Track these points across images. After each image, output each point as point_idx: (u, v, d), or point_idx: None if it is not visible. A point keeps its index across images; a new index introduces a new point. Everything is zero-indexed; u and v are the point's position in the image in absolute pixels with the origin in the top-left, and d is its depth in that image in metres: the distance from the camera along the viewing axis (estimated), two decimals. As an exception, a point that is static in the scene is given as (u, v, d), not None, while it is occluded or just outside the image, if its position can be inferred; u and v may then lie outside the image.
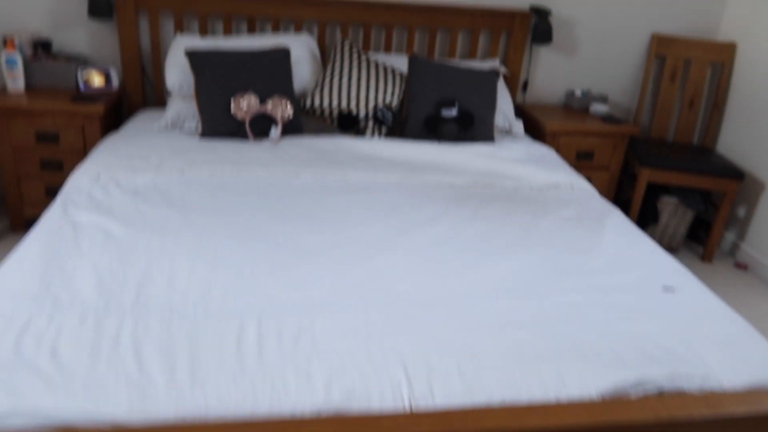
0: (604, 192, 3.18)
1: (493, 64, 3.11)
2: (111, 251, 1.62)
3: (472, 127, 2.68)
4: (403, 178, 2.27)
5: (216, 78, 2.48)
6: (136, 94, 2.98)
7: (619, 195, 3.43)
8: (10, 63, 2.70)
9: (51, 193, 2.77)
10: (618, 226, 2.03)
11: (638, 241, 1.93)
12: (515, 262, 1.75)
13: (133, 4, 2.82)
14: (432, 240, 1.83)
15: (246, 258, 1.63)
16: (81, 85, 2.82)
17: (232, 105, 2.44)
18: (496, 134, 2.87)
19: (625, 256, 1.83)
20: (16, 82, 2.73)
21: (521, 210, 2.10)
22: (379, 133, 2.68)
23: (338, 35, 3.10)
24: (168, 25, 2.97)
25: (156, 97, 3.04)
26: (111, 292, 1.45)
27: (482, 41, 3.24)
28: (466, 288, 1.60)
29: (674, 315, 1.55)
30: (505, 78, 3.21)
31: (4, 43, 2.69)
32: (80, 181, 2.02)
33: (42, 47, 2.85)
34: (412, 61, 2.74)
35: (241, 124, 2.47)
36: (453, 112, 2.65)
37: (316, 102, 2.66)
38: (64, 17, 2.91)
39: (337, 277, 1.58)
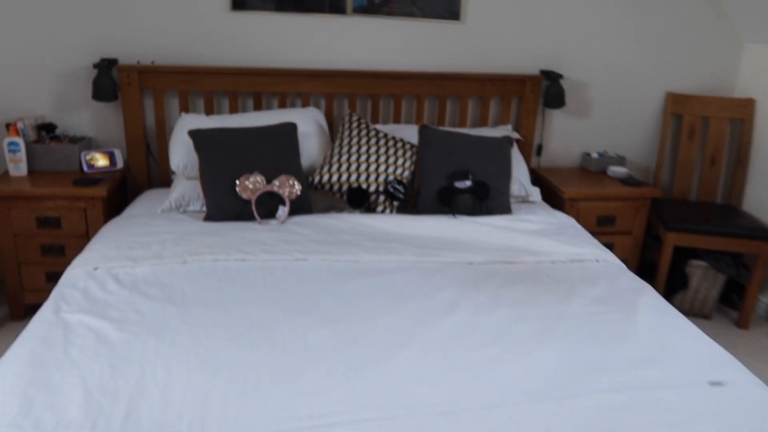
0: (629, 257, 3.02)
1: (506, 130, 3.03)
2: (103, 359, 1.49)
3: (488, 198, 2.57)
4: (418, 258, 2.14)
5: (220, 157, 2.40)
6: (140, 175, 2.92)
7: (643, 256, 3.27)
8: (13, 148, 2.65)
9: (52, 278, 2.67)
10: (652, 307, 1.87)
11: (676, 325, 1.77)
12: (543, 354, 1.59)
13: (137, 86, 2.79)
14: (451, 331, 1.68)
15: (248, 363, 1.49)
16: (85, 167, 2.76)
17: (238, 185, 2.35)
18: (512, 203, 2.75)
19: (664, 344, 1.66)
20: (18, 167, 2.68)
21: (545, 291, 1.95)
22: (391, 208, 2.58)
23: (346, 107, 3.05)
24: (173, 103, 2.94)
25: (161, 176, 2.97)
26: (100, 411, 1.31)
27: (493, 108, 3.17)
28: (490, 390, 1.44)
29: (725, 414, 1.38)
30: (519, 143, 3.12)
31: (7, 128, 2.65)
32: (76, 276, 1.92)
33: (46, 130, 2.81)
34: (423, 132, 2.66)
35: (247, 203, 2.38)
36: (467, 184, 2.54)
37: (325, 178, 2.57)
38: (69, 100, 2.88)
39: (349, 384, 1.44)
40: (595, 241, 2.41)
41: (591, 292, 1.96)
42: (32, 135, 2.78)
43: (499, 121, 3.19)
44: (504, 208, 2.62)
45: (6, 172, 2.72)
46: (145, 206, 2.61)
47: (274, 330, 1.65)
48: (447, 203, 2.55)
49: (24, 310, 2.74)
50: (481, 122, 3.14)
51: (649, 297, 1.94)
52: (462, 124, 3.12)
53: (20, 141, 2.65)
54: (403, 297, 1.87)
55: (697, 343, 1.69)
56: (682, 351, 1.64)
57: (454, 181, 2.56)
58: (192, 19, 2.84)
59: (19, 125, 2.69)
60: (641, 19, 3.14)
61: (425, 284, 1.96)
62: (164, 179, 2.97)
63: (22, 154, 2.67)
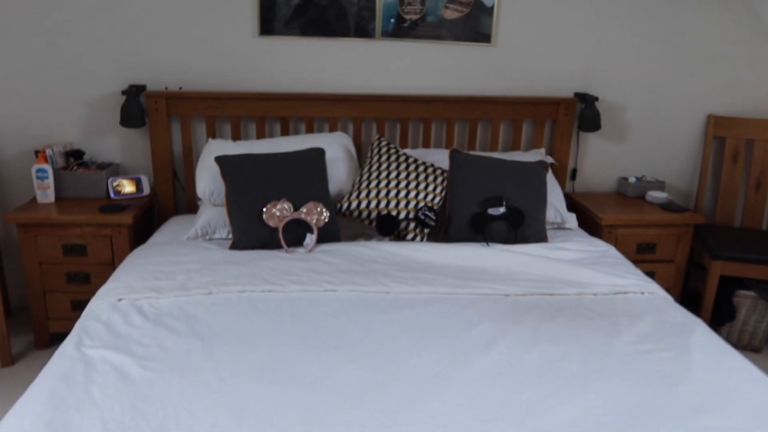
0: (671, 287, 2.88)
1: (539, 154, 2.93)
2: (124, 399, 1.42)
3: (523, 225, 2.46)
4: (451, 289, 2.05)
5: (247, 184, 2.34)
6: (167, 201, 2.89)
7: (685, 285, 3.11)
8: (41, 175, 2.64)
9: (77, 307, 2.64)
10: (706, 344, 1.74)
11: (734, 365, 1.64)
12: (589, 398, 1.48)
13: (165, 112, 2.77)
14: (489, 371, 1.58)
15: (276, 404, 1.41)
16: (111, 194, 2.74)
17: (265, 213, 2.29)
18: (548, 230, 2.64)
19: (723, 387, 1.53)
20: (46, 194, 2.66)
21: (589, 326, 1.84)
22: (422, 236, 2.49)
23: (374, 132, 2.99)
24: (200, 128, 2.91)
25: (188, 203, 2.94)
26: (119, 457, 1.24)
27: (525, 131, 3.08)
28: (535, 437, 1.33)
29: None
30: (552, 168, 3.01)
31: (36, 155, 2.64)
32: (100, 308, 1.86)
33: (74, 157, 2.80)
34: (454, 156, 2.58)
35: (274, 231, 2.31)
36: (501, 210, 2.45)
37: (354, 204, 2.50)
38: (97, 127, 2.87)
39: (382, 430, 1.34)
40: (638, 271, 2.28)
41: (638, 327, 1.84)
42: (60, 162, 2.77)
43: (532, 145, 3.10)
44: (540, 236, 2.52)
45: (34, 199, 2.70)
46: (170, 233, 2.57)
47: (302, 368, 1.56)
48: (480, 231, 2.45)
49: (49, 339, 2.71)
50: (513, 146, 3.05)
51: (701, 333, 1.81)
52: (493, 148, 3.03)
53: (48, 168, 2.64)
54: (437, 332, 1.77)
55: (758, 385, 1.55)
56: (744, 395, 1.51)
57: (487, 208, 2.46)
58: (219, 45, 2.82)
59: (48, 152, 2.68)
60: (680, 39, 3.04)
61: (460, 318, 1.86)
62: (190, 205, 2.93)
63: (50, 181, 2.66)
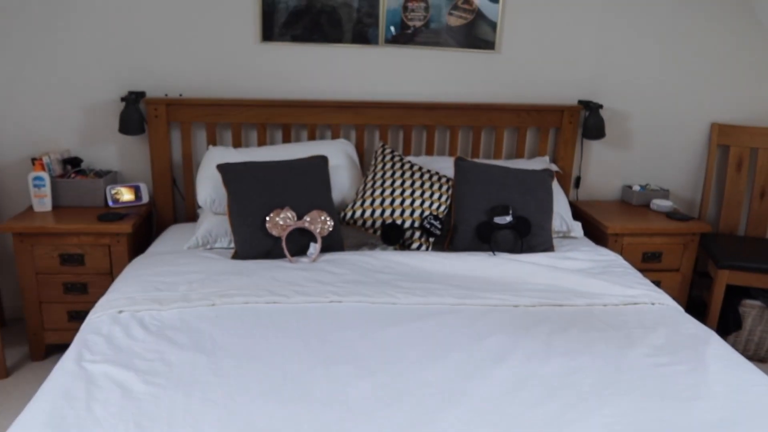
0: (677, 296, 2.85)
1: (543, 162, 2.91)
2: (128, 417, 1.36)
3: (529, 234, 2.43)
4: (459, 300, 2.01)
5: (250, 193, 2.30)
6: (166, 209, 2.84)
7: (690, 292, 3.09)
8: (38, 183, 2.58)
9: (74, 317, 2.58)
10: (722, 357, 1.71)
11: (753, 379, 1.61)
12: (607, 414, 1.44)
13: (165, 119, 2.72)
14: (503, 385, 1.54)
15: (286, 423, 1.36)
16: (110, 202, 2.69)
17: (268, 222, 2.25)
18: (554, 239, 2.61)
19: (742, 401, 1.50)
20: (43, 202, 2.61)
21: (601, 339, 1.80)
22: (427, 245, 2.45)
23: (377, 139, 2.95)
24: (200, 136, 2.87)
25: (187, 211, 2.89)
26: (124, 479, 1.19)
27: (529, 139, 3.06)
28: (555, 455, 1.29)
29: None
30: (557, 176, 2.98)
31: (33, 162, 2.59)
32: (100, 320, 1.81)
33: (71, 164, 2.75)
34: (460, 164, 2.54)
35: (277, 241, 2.27)
36: (507, 219, 2.41)
37: (358, 213, 2.45)
38: (95, 134, 2.82)
39: (397, 448, 1.29)
40: (647, 281, 2.25)
41: (651, 339, 1.80)
42: (58, 169, 2.72)
43: (536, 153, 3.07)
44: (546, 245, 2.48)
45: (30, 208, 2.65)
46: (170, 243, 2.52)
47: (311, 383, 1.51)
48: (486, 240, 2.41)
49: (45, 350, 2.64)
50: (517, 154, 3.02)
51: (716, 346, 1.77)
52: (497, 156, 3.00)
53: (45, 176, 2.59)
54: (448, 345, 1.73)
55: (778, 400, 1.52)
56: (763, 410, 1.47)
57: (493, 217, 2.43)
58: (220, 51, 2.78)
59: (45, 160, 2.63)
60: (684, 47, 3.02)
61: (470, 330, 1.82)
62: (190, 214, 2.89)
63: (47, 189, 2.60)
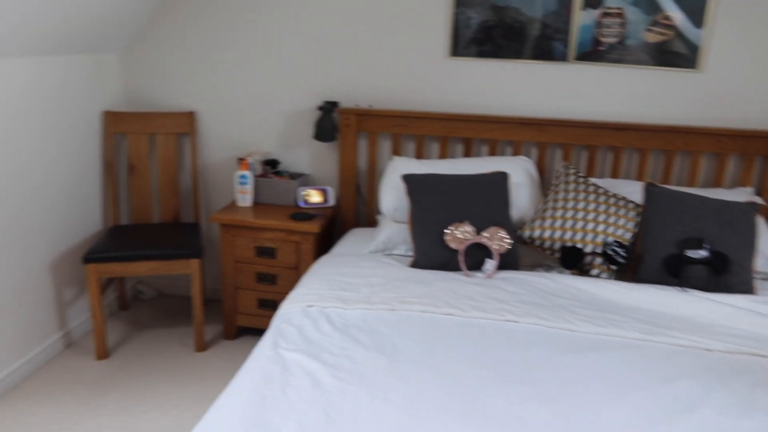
0: None
1: (746, 194, 2.63)
2: (318, 406, 1.48)
3: (727, 273, 2.22)
4: (643, 336, 1.89)
5: (432, 204, 2.37)
6: (349, 213, 3.02)
7: None
8: (242, 180, 2.89)
9: (263, 305, 2.84)
10: None
11: None
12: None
13: (354, 128, 2.90)
14: (695, 436, 1.43)
15: (464, 436, 1.39)
16: (300, 202, 2.92)
17: (447, 234, 2.30)
18: (755, 279, 2.36)
19: None
20: (245, 198, 2.91)
21: (816, 400, 1.59)
22: (608, 272, 2.34)
23: (559, 158, 2.88)
24: (384, 145, 3.01)
25: (367, 216, 3.05)
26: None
27: (731, 167, 2.79)
28: None
29: None
30: (764, 210, 2.69)
31: (239, 162, 2.90)
32: (292, 312, 1.98)
33: (270, 165, 3.03)
34: (650, 190, 2.40)
35: (454, 253, 2.31)
36: (702, 254, 2.23)
37: (536, 233, 2.42)
38: (292, 139, 3.09)
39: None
40: None
41: None
42: (258, 169, 3.01)
43: (737, 183, 2.79)
44: (746, 286, 2.25)
45: (233, 202, 2.97)
46: (352, 245, 2.67)
47: (487, 400, 1.53)
48: (675, 274, 2.25)
49: (235, 331, 2.94)
50: (715, 182, 2.77)
51: None
52: (691, 184, 2.78)
53: (249, 174, 2.89)
54: (630, 383, 1.64)
55: None
56: None
57: (685, 249, 2.26)
58: (410, 65, 2.90)
59: (249, 160, 2.93)
60: None
61: (655, 370, 1.71)
62: (370, 219, 3.04)
63: (250, 186, 2.90)
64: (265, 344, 1.80)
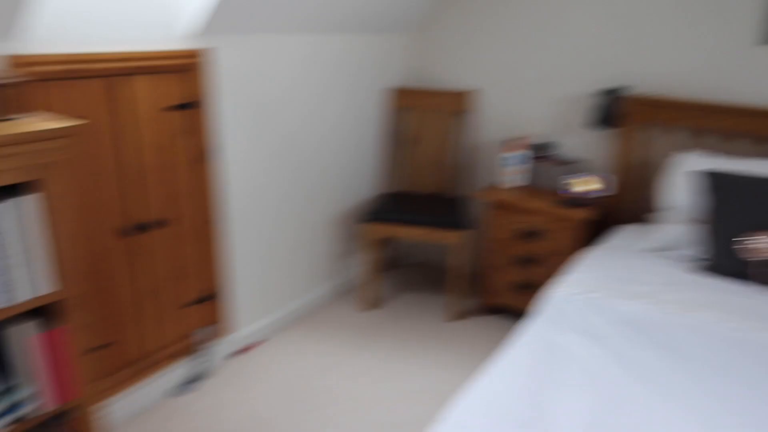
0: None
1: None
2: (590, 390, 1.45)
3: None
4: None
5: (736, 206, 2.13)
6: (624, 204, 2.86)
7: None
8: (508, 162, 2.92)
9: (520, 286, 2.85)
10: None
11: None
12: None
13: (639, 116, 2.72)
14: None
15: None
16: (568, 189, 2.85)
17: (747, 242, 2.05)
18: None
19: None
20: (511, 179, 2.94)
21: None
22: None
23: None
24: (664, 137, 2.77)
25: (642, 210, 2.85)
26: None
27: None
28: None
29: None
30: None
31: (508, 145, 2.93)
32: (565, 298, 1.95)
33: (544, 149, 3.01)
34: None
35: (749, 263, 2.06)
36: None
37: None
38: (564, 125, 3.02)
39: None
40: None
41: None
42: (532, 152, 3.01)
43: None
44: None
45: (499, 182, 3.01)
46: (627, 238, 2.51)
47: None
48: None
49: (488, 308, 3.01)
50: None
51: None
52: None
53: (514, 156, 2.91)
54: None
55: None
56: None
57: None
58: (708, 54, 2.61)
59: (520, 143, 2.94)
60: None
61: None
62: (643, 213, 2.84)
63: (516, 168, 2.92)
64: (539, 324, 1.81)
